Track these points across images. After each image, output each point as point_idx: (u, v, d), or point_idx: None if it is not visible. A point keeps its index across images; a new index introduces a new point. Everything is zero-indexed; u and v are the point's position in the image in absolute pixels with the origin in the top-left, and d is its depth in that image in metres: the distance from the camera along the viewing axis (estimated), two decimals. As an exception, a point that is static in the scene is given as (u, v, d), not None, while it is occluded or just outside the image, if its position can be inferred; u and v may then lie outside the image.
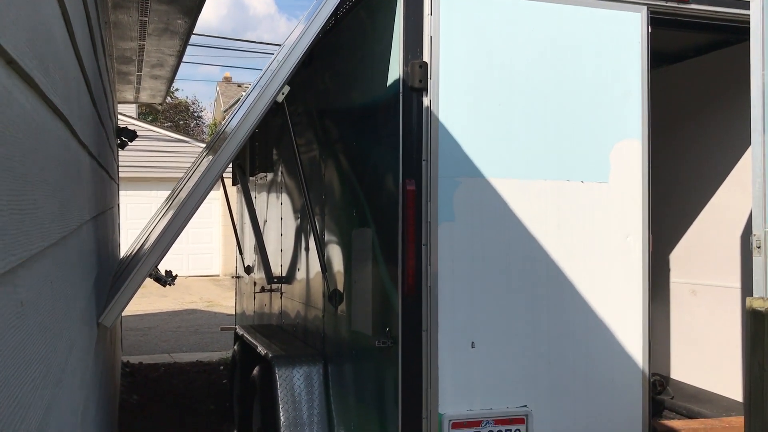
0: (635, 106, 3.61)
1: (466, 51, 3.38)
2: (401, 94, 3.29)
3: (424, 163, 3.31)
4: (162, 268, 3.30)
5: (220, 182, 7.41)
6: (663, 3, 3.65)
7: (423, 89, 3.30)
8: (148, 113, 28.84)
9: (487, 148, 3.40)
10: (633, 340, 3.58)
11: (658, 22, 3.69)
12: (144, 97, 8.21)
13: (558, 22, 3.51)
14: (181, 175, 15.57)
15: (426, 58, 3.32)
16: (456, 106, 3.36)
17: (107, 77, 4.92)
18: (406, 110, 3.30)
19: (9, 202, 0.80)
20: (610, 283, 3.56)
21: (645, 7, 3.64)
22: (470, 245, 3.38)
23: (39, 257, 1.05)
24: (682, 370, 4.84)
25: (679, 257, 4.90)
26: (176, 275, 2.93)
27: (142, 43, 5.40)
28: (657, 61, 4.68)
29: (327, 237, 4.44)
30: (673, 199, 4.89)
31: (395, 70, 3.37)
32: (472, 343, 3.37)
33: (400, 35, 3.32)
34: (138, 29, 4.96)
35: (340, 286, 4.15)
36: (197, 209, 2.88)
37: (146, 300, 14.81)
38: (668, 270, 4.95)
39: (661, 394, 4.46)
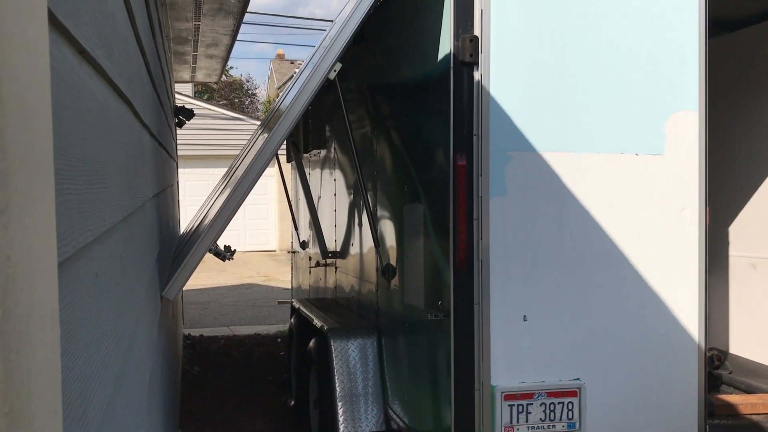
0: (692, 76, 3.53)
1: (517, 24, 3.36)
2: (452, 69, 3.30)
3: (475, 137, 3.32)
4: (221, 243, 3.41)
5: (275, 159, 7.53)
6: (722, -32, 3.55)
7: (474, 63, 3.30)
8: (203, 91, 29.35)
9: (539, 122, 3.39)
10: (689, 313, 3.54)
11: (717, -12, 3.59)
12: (200, 76, 8.37)
13: (612, -9, 3.44)
14: (237, 152, 15.85)
15: (476, 32, 3.31)
16: (507, 79, 3.35)
17: (165, 58, 5.06)
18: (457, 85, 3.30)
19: (85, 182, 0.87)
20: (665, 257, 3.52)
21: (703, -26, 3.53)
22: (522, 219, 3.38)
23: (110, 233, 1.13)
24: (741, 344, 4.76)
25: (738, 230, 4.79)
26: (235, 250, 3.03)
27: (197, 23, 5.51)
28: (716, 29, 4.54)
29: (379, 212, 4.49)
30: (732, 171, 4.77)
31: (446, 45, 3.37)
32: (524, 316, 3.39)
33: (450, 10, 3.32)
34: (193, 10, 5.06)
35: (393, 261, 4.21)
36: (254, 186, 2.96)
37: (205, 274, 15.21)
38: (727, 243, 4.85)
39: (719, 369, 4.40)
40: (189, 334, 9.29)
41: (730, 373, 4.36)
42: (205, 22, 5.48)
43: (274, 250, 20.36)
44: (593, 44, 3.43)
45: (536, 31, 3.38)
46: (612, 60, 3.45)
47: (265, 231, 20.18)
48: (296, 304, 6.29)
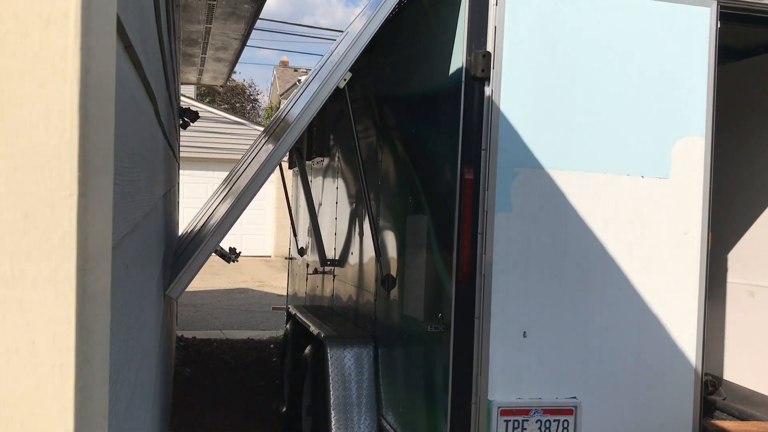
0: (700, 102, 3.57)
1: (529, 41, 3.39)
2: (463, 83, 3.33)
3: (483, 152, 3.34)
4: (224, 245, 3.42)
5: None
6: (734, -2, 3.59)
7: (485, 79, 3.33)
8: (206, 94, 29.39)
9: (547, 140, 3.42)
10: (686, 338, 3.56)
11: (728, 17, 3.63)
12: (206, 79, 8.40)
13: (624, 13, 3.49)
14: (237, 157, 15.86)
15: (489, 47, 3.34)
16: (517, 96, 3.38)
17: (175, 59, 5.08)
18: (468, 99, 3.33)
19: (125, 176, 0.88)
20: (665, 280, 3.54)
21: (715, 2, 3.58)
22: (526, 236, 3.40)
23: (137, 227, 1.14)
24: (736, 371, 4.77)
25: (738, 257, 4.81)
26: (240, 252, 3.04)
27: (208, 26, 5.54)
28: (724, 57, 4.59)
29: (382, 222, 4.51)
30: (736, 198, 4.80)
31: (458, 59, 3.40)
32: (524, 332, 3.40)
33: (464, 24, 3.35)
34: (206, 12, 5.09)
35: (393, 271, 4.22)
36: (259, 190, 2.98)
37: (199, 277, 15.17)
38: (726, 269, 4.87)
39: (713, 395, 4.41)
40: (182, 335, 9.27)
41: (724, 399, 4.37)
42: (216, 25, 5.51)
43: (270, 256, 20.34)
44: (604, 67, 3.47)
45: (548, 51, 3.41)
46: (622, 83, 3.48)
47: (261, 236, 20.17)
48: (293, 310, 6.29)
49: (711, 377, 4.47)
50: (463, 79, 3.33)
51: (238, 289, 14.73)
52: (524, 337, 3.40)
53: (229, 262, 3.25)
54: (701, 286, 3.58)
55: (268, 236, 20.35)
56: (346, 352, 4.45)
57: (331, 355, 4.41)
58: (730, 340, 4.83)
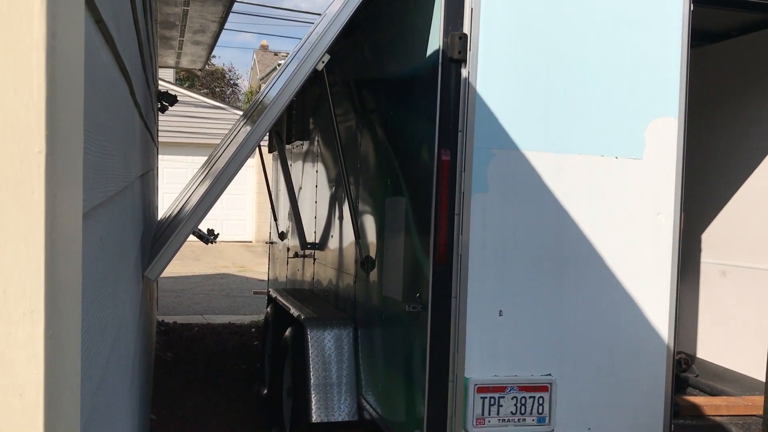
0: (673, 83, 3.62)
1: (506, 23, 3.42)
2: (440, 65, 3.35)
3: (459, 134, 3.38)
4: (204, 228, 3.43)
5: (256, 149, 7.54)
6: (707, -19, 3.64)
7: (462, 60, 3.35)
8: (185, 79, 29.13)
9: (523, 121, 3.45)
10: (659, 316, 3.63)
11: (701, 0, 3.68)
12: (185, 63, 8.34)
13: (599, -3, 3.52)
14: (217, 141, 15.77)
15: (466, 29, 3.36)
16: (494, 78, 3.41)
17: (152, 41, 5.05)
18: (444, 81, 3.36)
19: (97, 147, 0.90)
20: (639, 260, 3.60)
21: (688, -15, 3.62)
22: (502, 217, 3.45)
23: (112, 200, 1.16)
24: (709, 349, 4.88)
25: (710, 237, 4.90)
26: (218, 234, 3.06)
27: (186, 8, 5.50)
28: (698, 40, 4.65)
29: (361, 205, 4.53)
30: (708, 178, 4.89)
31: (435, 42, 3.42)
32: (500, 311, 3.46)
33: (441, 7, 3.37)
34: (183, -6, 5.05)
35: (373, 253, 4.25)
36: (237, 174, 2.99)
37: (180, 263, 15.13)
38: (699, 250, 4.96)
39: (686, 372, 4.51)
40: (163, 320, 9.26)
41: (696, 376, 4.47)
42: (193, 7, 5.48)
43: (251, 242, 20.30)
44: (579, 48, 3.50)
45: (525, 32, 3.44)
46: (596, 64, 3.52)
47: (242, 222, 20.11)
48: (273, 294, 6.31)
49: (684, 355, 4.57)
50: (440, 61, 3.35)
51: (219, 274, 14.71)
52: (500, 315, 3.46)
53: (206, 243, 3.26)
54: (674, 266, 3.65)
55: (249, 221, 20.30)
56: (326, 333, 4.49)
57: (312, 336, 4.44)
58: (702, 318, 4.93)
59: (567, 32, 3.49)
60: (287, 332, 5.11)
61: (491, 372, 3.43)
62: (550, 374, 3.49)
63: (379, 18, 4.37)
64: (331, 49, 3.63)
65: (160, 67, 8.91)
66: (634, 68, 3.57)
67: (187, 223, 2.93)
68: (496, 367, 3.44)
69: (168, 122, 15.82)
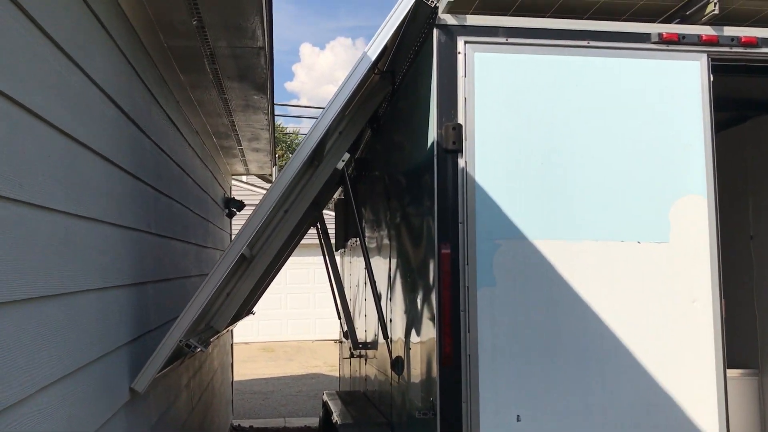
0: (698, 159, 3.34)
1: (503, 110, 3.29)
2: (435, 157, 3.25)
3: (460, 225, 3.22)
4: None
5: (322, 249, 7.52)
6: (726, 49, 3.39)
7: (458, 151, 3.24)
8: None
9: (529, 209, 3.26)
10: (705, 417, 3.20)
11: (721, 69, 3.42)
12: (253, 169, 8.64)
13: (606, 75, 3.34)
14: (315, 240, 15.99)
15: (461, 119, 3.26)
16: (494, 166, 3.26)
17: (203, 152, 5.25)
18: (441, 172, 3.24)
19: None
20: (675, 353, 3.23)
21: (705, 55, 3.39)
22: (513, 312, 3.21)
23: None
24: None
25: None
26: (197, 347, 2.99)
27: (231, 118, 5.72)
28: (744, 110, 4.33)
29: (390, 304, 4.39)
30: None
31: (432, 133, 3.34)
32: (518, 416, 3.16)
33: (434, 98, 3.30)
34: (222, 106, 5.26)
35: (403, 354, 4.07)
36: (221, 280, 2.95)
37: (273, 364, 15.25)
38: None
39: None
40: (239, 425, 9.23)
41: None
42: (238, 117, 5.69)
43: (343, 340, 20.25)
44: (587, 131, 3.31)
45: (524, 119, 3.30)
46: (608, 144, 3.31)
47: (333, 320, 20.17)
48: (325, 398, 6.17)
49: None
50: (435, 152, 3.25)
51: (309, 374, 14.66)
52: (518, 421, 3.16)
53: (194, 353, 3.20)
54: (718, 357, 3.24)
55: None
56: (360, 439, 4.29)
57: (345, 443, 4.26)
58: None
59: (572, 115, 3.31)
60: (329, 438, 4.93)
61: (509, 485, 3.10)
62: (577, 487, 3.12)
63: (398, 113, 4.35)
64: (356, 147, 3.61)
65: (234, 174, 9.28)
66: (651, 146, 3.32)
67: (172, 334, 2.89)
68: (514, 480, 3.11)
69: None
